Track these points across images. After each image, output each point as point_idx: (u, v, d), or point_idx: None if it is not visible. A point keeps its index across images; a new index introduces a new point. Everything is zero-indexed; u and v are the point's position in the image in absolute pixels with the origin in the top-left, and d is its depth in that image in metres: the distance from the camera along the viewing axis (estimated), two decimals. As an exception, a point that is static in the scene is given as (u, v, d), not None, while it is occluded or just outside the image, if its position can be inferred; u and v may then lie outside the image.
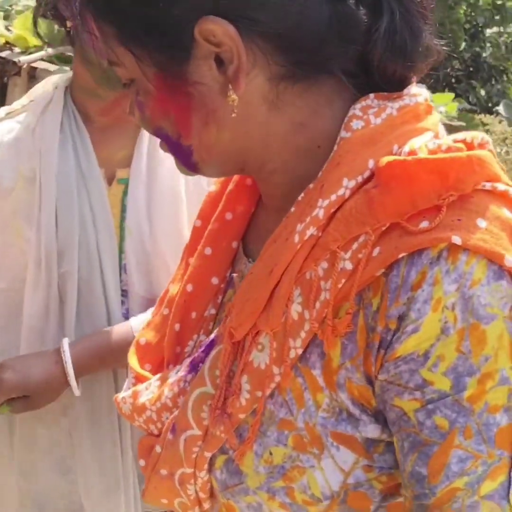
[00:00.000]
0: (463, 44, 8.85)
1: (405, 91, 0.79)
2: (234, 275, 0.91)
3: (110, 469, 1.47)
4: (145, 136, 1.46)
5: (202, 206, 0.98)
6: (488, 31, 9.31)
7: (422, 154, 0.72)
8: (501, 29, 9.25)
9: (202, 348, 0.86)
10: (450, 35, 8.24)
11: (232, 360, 0.80)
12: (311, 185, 0.77)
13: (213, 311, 0.93)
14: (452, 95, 5.13)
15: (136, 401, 0.90)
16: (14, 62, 2.99)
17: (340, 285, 0.72)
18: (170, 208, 1.45)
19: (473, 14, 9.38)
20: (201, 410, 0.82)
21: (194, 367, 0.86)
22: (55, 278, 1.42)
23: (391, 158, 0.73)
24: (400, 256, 0.70)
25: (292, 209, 0.78)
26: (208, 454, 0.82)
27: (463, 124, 4.82)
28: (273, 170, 0.82)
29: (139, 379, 0.94)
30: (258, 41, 0.74)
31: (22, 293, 1.46)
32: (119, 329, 1.38)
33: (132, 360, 0.97)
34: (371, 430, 0.75)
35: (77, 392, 1.39)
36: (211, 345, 0.85)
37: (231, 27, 0.73)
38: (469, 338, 0.68)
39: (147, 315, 1.19)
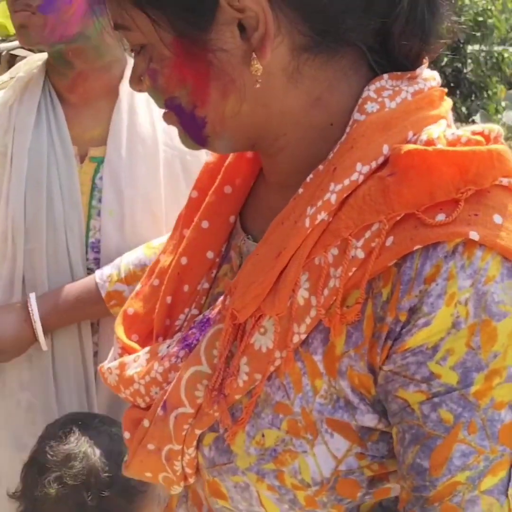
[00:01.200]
0: (445, 59, 8.83)
1: (418, 71, 0.79)
2: (233, 251, 0.90)
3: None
4: (123, 114, 1.46)
5: (199, 176, 0.96)
6: (469, 48, 9.37)
7: (441, 145, 0.72)
8: (482, 47, 9.37)
9: (196, 325, 0.85)
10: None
11: (231, 342, 0.79)
12: (320, 167, 0.76)
13: (206, 286, 0.92)
14: None
15: (123, 373, 0.89)
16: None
17: (350, 274, 0.72)
18: (146, 189, 1.45)
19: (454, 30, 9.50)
20: (195, 388, 0.81)
21: (187, 344, 0.85)
22: (21, 254, 1.42)
23: (411, 146, 0.72)
24: (415, 248, 0.69)
25: (300, 190, 0.77)
26: (198, 432, 0.82)
27: None
28: (284, 146, 0.81)
29: (126, 350, 0.93)
30: (284, 7, 0.73)
31: None
32: (82, 283, 1.40)
33: (119, 330, 0.95)
34: (368, 419, 0.75)
35: (44, 347, 1.41)
36: (207, 323, 0.84)
37: None
38: (480, 333, 0.68)
39: (112, 267, 1.24)
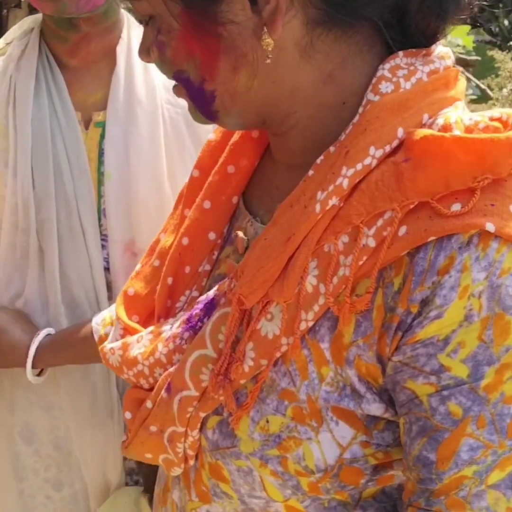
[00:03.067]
0: None
1: (433, 47, 0.77)
2: (238, 232, 0.87)
3: (98, 404, 1.45)
4: (121, 76, 1.41)
5: (200, 155, 0.94)
6: None
7: (458, 131, 0.70)
8: None
9: (200, 306, 0.84)
10: None
11: (238, 327, 0.78)
12: (332, 148, 0.74)
13: (207, 267, 0.91)
14: (468, 27, 4.87)
15: (126, 353, 0.88)
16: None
17: (361, 262, 0.70)
18: (149, 152, 1.40)
19: None
20: (200, 372, 0.80)
21: (191, 326, 0.84)
22: (34, 225, 1.39)
23: (427, 132, 0.69)
24: (430, 239, 0.67)
25: (311, 172, 0.75)
26: (202, 415, 0.81)
27: (479, 58, 4.70)
28: (294, 124, 0.79)
29: (128, 330, 0.92)
30: None
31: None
32: (82, 325, 1.34)
33: (120, 310, 0.94)
34: (375, 408, 0.74)
35: (30, 378, 1.37)
36: (211, 304, 0.83)
37: None
38: (493, 327, 0.67)
39: (110, 311, 1.18)
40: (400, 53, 0.75)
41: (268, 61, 0.72)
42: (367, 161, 0.71)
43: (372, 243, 0.70)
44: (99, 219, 1.41)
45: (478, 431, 0.68)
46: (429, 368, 0.69)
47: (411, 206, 0.69)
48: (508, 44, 7.47)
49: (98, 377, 1.41)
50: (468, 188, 0.68)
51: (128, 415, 0.89)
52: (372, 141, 0.71)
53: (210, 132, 1.12)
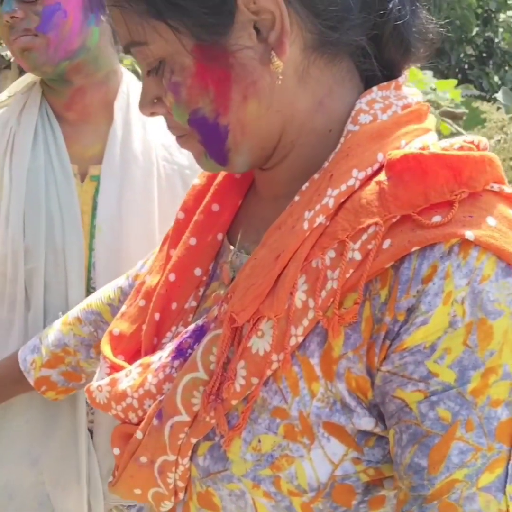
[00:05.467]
0: (475, 29, 8.60)
1: (400, 80, 0.83)
2: (225, 265, 0.90)
3: (73, 459, 1.44)
4: (118, 132, 1.45)
5: (185, 198, 0.97)
6: (501, 16, 9.05)
7: (436, 150, 0.74)
8: None
9: (188, 334, 0.85)
10: (461, 20, 8.14)
11: (229, 346, 0.79)
12: (316, 175, 0.78)
13: (194, 304, 0.92)
14: (455, 81, 5.08)
15: (114, 388, 0.88)
16: (3, 56, 2.85)
17: (348, 275, 0.73)
18: (142, 207, 1.43)
19: None
20: (192, 395, 0.80)
21: (181, 353, 0.84)
22: (22, 274, 1.41)
23: (407, 150, 0.74)
24: (413, 250, 0.71)
25: (297, 198, 0.79)
26: (194, 440, 0.81)
27: (466, 111, 4.89)
28: (287, 154, 0.83)
29: (115, 368, 0.92)
30: (296, 5, 0.76)
31: None
32: (4, 363, 1.35)
33: (106, 349, 0.95)
34: (365, 423, 0.75)
35: None
36: (201, 331, 0.84)
37: None
38: (476, 332, 0.69)
39: (34, 341, 1.24)
40: (374, 88, 0.81)
41: (279, 82, 0.77)
42: (351, 182, 0.75)
43: (358, 256, 0.72)
44: (89, 272, 1.42)
45: (467, 434, 0.69)
46: (417, 375, 0.70)
47: (394, 220, 0.72)
48: (493, 96, 7.53)
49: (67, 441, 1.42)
50: (446, 201, 0.72)
51: (116, 451, 0.89)
52: (354, 164, 0.75)
53: None
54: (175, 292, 0.92)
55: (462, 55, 9.11)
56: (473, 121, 4.93)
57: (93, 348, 1.26)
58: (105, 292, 1.24)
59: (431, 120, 0.83)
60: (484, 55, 9.24)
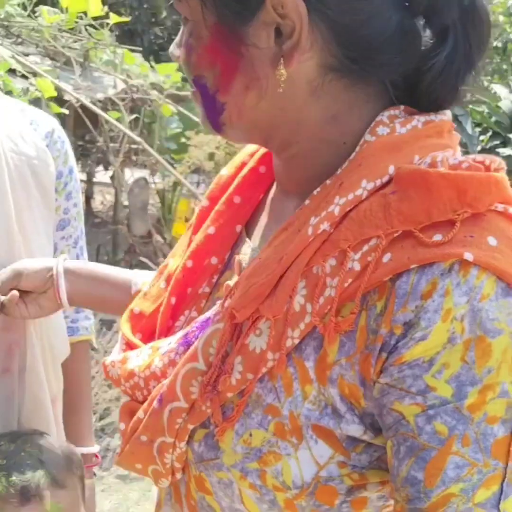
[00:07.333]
0: (164, 12, 8.61)
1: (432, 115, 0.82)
2: (236, 256, 0.92)
3: None
4: None
5: (212, 187, 1.00)
6: None
7: (443, 168, 0.75)
8: None
9: (197, 324, 0.88)
10: (149, 2, 8.32)
11: (228, 341, 0.81)
12: (328, 181, 0.79)
13: (207, 290, 0.95)
14: (175, 65, 4.78)
15: (125, 366, 0.92)
16: None
17: (346, 284, 0.74)
18: None
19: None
20: (190, 384, 0.83)
21: (187, 341, 0.87)
22: None
23: (414, 167, 0.75)
24: (412, 267, 0.71)
25: (307, 202, 0.80)
26: (191, 426, 0.84)
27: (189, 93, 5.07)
28: (295, 153, 0.84)
29: (130, 346, 0.96)
30: (322, 26, 0.76)
31: None
32: (119, 273, 1.31)
33: (125, 326, 0.99)
34: (354, 429, 0.76)
35: (66, 305, 1.31)
36: (206, 323, 0.87)
37: (302, 4, 0.74)
38: (474, 349, 0.70)
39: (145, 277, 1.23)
40: (402, 106, 0.81)
41: (280, 90, 0.78)
42: (358, 192, 0.76)
43: (357, 266, 0.74)
44: None
45: (464, 449, 0.70)
46: (415, 388, 0.71)
47: (396, 235, 0.73)
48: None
49: None
50: (448, 220, 0.72)
51: (122, 425, 0.93)
52: (364, 175, 0.76)
53: (53, 181, 1.32)
54: (191, 278, 0.95)
55: (152, 37, 9.14)
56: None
57: None
58: None
59: (453, 138, 0.82)
60: (174, 37, 9.11)
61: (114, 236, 7.22)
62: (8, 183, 1.35)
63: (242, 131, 0.84)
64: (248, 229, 0.95)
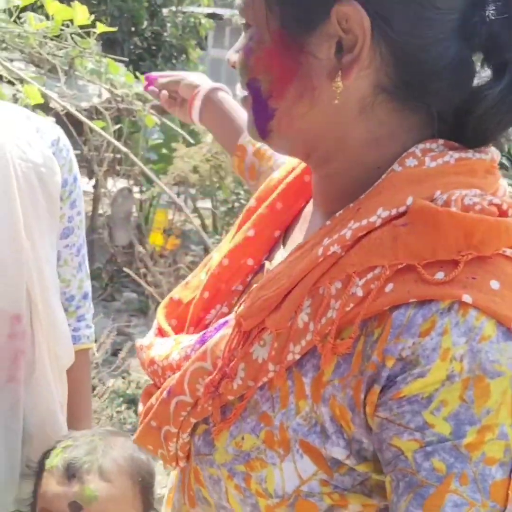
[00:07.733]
0: (145, 23, 8.78)
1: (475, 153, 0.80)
2: (266, 262, 0.95)
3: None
4: None
5: (261, 188, 1.02)
6: (165, 11, 9.21)
7: (455, 207, 0.74)
8: (179, 8, 9.19)
9: (216, 326, 0.91)
10: (132, 13, 8.27)
11: (235, 347, 0.84)
12: (351, 205, 0.80)
13: (240, 288, 0.98)
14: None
15: (149, 352, 0.97)
16: None
17: (347, 309, 0.75)
18: (4, 206, 1.37)
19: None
20: (197, 381, 0.87)
21: (203, 340, 0.90)
22: None
23: (427, 202, 0.75)
24: (411, 301, 0.72)
25: (328, 222, 0.82)
26: (193, 420, 0.88)
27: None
28: (332, 172, 0.85)
29: (161, 332, 1.00)
30: (382, 45, 0.76)
31: None
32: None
33: (160, 312, 1.03)
34: (337, 452, 0.77)
35: (196, 121, 1.41)
36: (223, 325, 0.89)
37: (367, 20, 0.75)
38: (473, 388, 0.70)
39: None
40: (441, 140, 0.80)
41: (336, 102, 0.78)
42: (373, 219, 0.76)
43: (360, 292, 0.75)
44: None
45: (462, 488, 0.69)
46: (413, 424, 0.71)
47: (400, 267, 0.74)
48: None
49: None
50: (452, 259, 0.73)
51: (140, 407, 0.97)
52: (382, 203, 0.77)
53: (59, 189, 1.35)
54: (225, 275, 0.98)
55: (132, 47, 9.08)
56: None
57: None
58: None
59: (490, 178, 0.80)
60: (154, 48, 9.28)
61: (90, 245, 7.14)
62: (16, 190, 1.37)
63: (288, 141, 0.85)
64: (285, 235, 0.97)
